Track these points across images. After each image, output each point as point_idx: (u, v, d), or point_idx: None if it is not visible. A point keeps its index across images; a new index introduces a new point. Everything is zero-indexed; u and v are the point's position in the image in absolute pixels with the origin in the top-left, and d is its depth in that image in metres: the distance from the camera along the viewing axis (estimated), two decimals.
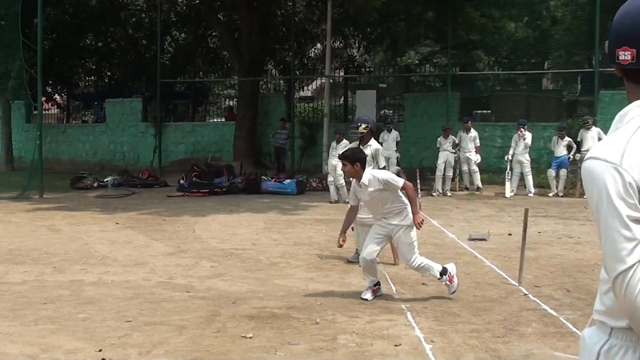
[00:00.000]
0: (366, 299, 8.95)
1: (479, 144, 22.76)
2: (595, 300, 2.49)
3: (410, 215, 8.95)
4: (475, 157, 22.47)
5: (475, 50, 32.51)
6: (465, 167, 22.81)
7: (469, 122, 22.79)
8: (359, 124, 11.82)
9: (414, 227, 8.96)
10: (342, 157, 9.28)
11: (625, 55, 2.32)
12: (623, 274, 2.16)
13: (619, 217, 2.18)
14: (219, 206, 19.25)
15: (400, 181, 8.95)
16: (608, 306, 2.37)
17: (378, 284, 9.22)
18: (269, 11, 30.21)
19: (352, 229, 11.82)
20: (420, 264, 8.96)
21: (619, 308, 2.26)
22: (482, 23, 27.68)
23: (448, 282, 9.01)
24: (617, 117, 2.40)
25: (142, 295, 9.33)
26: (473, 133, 22.65)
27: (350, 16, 26.54)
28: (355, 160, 8.96)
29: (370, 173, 9.03)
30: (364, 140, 11.76)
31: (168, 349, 7.07)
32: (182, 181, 23.36)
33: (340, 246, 9.45)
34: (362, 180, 8.95)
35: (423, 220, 9.01)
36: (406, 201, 9.08)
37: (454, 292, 9.05)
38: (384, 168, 11.66)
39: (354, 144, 12.05)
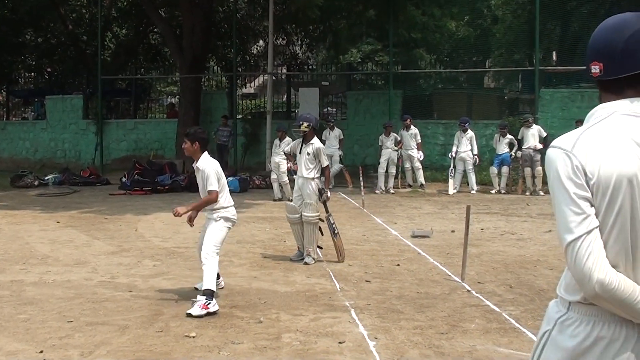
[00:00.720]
0: (191, 314, 8.21)
1: (420, 141, 22.82)
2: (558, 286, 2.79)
3: (222, 212, 8.99)
4: (418, 154, 22.56)
5: (416, 48, 32.71)
6: (407, 165, 22.85)
7: (408, 120, 22.83)
8: (301, 122, 11.76)
9: (227, 226, 9.03)
10: (185, 134, 9.22)
11: (595, 69, 2.72)
12: (572, 243, 2.52)
13: (567, 194, 2.55)
14: (161, 204, 19.09)
15: (213, 186, 8.80)
16: (567, 281, 2.70)
17: (211, 295, 8.41)
18: (211, 7, 29.99)
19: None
20: (209, 262, 8.68)
21: (573, 282, 2.62)
22: (423, 21, 27.86)
23: (201, 306, 8.27)
24: (587, 117, 2.79)
25: (84, 295, 9.24)
26: (413, 130, 22.71)
27: (292, 13, 26.46)
28: (195, 139, 8.93)
29: (205, 159, 8.96)
30: (306, 138, 11.73)
31: (110, 349, 7.00)
32: (124, 179, 23.12)
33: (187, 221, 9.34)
34: (196, 163, 8.99)
35: (179, 213, 8.72)
36: (224, 204, 9.03)
37: (195, 315, 8.15)
38: (327, 167, 11.67)
39: (297, 142, 12.03)
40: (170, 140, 29.89)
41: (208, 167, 8.86)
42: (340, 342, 7.17)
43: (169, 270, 10.75)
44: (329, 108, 34.13)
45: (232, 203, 9.18)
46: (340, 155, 23.19)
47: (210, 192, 8.75)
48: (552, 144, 2.66)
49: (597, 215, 2.53)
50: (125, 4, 38.16)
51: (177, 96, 35.90)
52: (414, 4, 26.29)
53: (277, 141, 20.49)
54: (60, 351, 6.93)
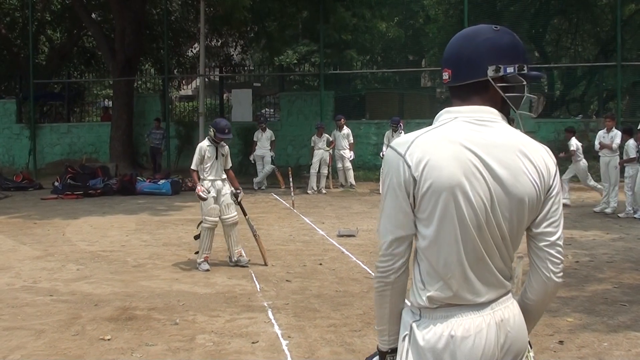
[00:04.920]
0: None
1: (352, 141, 23.02)
2: None
3: None
4: (349, 155, 22.73)
5: (347, 50, 32.92)
6: (339, 165, 23.01)
7: (342, 120, 23.02)
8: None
9: None
10: None
11: (445, 75, 2.83)
12: (386, 244, 2.72)
13: (394, 196, 2.68)
14: (92, 208, 19.00)
15: None
16: (411, 288, 2.82)
17: None
18: (143, 9, 29.76)
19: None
20: None
21: (414, 287, 2.78)
22: (353, 23, 28.04)
23: None
24: (435, 118, 2.86)
25: (4, 300, 9.22)
26: (346, 130, 22.90)
27: (223, 15, 26.41)
28: None
29: None
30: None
31: (25, 354, 7.03)
32: (56, 183, 22.97)
33: None
34: None
35: None
36: None
37: None
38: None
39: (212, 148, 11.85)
40: (105, 144, 29.66)
41: None
42: (253, 342, 7.27)
43: (91, 274, 10.74)
44: (266, 109, 34.19)
45: None
46: (272, 157, 23.24)
47: None
48: (391, 144, 2.75)
49: (422, 221, 2.65)
50: (59, 7, 37.75)
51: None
52: (344, 6, 26.46)
53: None
54: None
